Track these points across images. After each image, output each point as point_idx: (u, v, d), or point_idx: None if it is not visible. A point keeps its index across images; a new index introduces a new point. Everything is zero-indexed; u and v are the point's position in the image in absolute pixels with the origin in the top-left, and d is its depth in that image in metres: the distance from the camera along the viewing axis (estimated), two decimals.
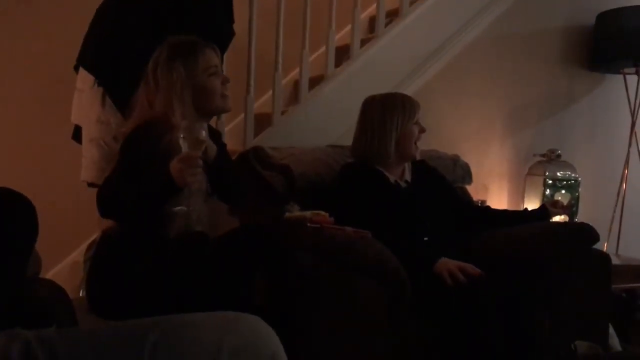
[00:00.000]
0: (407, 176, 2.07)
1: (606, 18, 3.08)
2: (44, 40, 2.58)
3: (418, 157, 2.07)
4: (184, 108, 1.60)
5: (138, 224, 1.58)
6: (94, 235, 1.95)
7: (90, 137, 1.97)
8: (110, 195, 1.54)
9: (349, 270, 1.66)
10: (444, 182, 2.21)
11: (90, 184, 1.96)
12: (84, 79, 1.98)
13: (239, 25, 2.17)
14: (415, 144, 2.02)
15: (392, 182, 2.02)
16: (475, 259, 1.77)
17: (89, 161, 1.98)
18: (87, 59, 1.99)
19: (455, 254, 1.78)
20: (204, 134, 1.59)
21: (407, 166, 2.09)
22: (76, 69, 2.04)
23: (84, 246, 2.26)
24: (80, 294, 1.96)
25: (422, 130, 2.03)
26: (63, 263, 2.55)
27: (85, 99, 1.99)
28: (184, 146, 1.54)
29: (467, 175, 2.54)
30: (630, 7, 3.02)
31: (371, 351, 1.62)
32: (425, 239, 1.91)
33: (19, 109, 2.58)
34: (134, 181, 1.53)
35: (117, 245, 1.59)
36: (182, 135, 1.55)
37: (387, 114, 2.01)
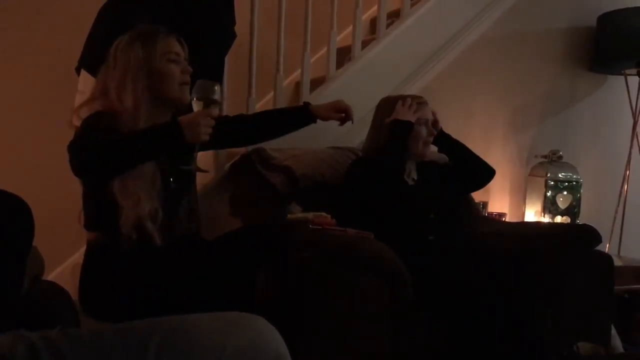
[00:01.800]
0: (414, 174, 2.08)
1: (608, 19, 3.08)
2: (45, 41, 2.57)
3: (426, 157, 2.07)
4: (137, 88, 1.57)
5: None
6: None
7: None
8: (91, 145, 1.43)
9: (350, 268, 1.66)
10: (448, 171, 2.20)
11: None
12: (86, 80, 1.98)
13: (241, 26, 2.17)
14: (422, 143, 2.02)
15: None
16: (480, 256, 1.77)
17: None
18: (88, 61, 1.99)
19: (461, 251, 1.78)
20: (217, 94, 1.55)
21: (413, 165, 2.10)
22: (77, 70, 2.04)
23: (85, 248, 2.26)
24: None
25: (432, 133, 2.04)
26: (64, 265, 2.54)
27: None
28: (197, 107, 1.51)
29: None
30: (632, 8, 3.02)
31: (373, 349, 1.62)
32: (430, 238, 1.91)
33: (20, 111, 2.58)
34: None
35: (106, 255, 1.58)
36: (194, 97, 1.53)
37: (390, 111, 2.02)
